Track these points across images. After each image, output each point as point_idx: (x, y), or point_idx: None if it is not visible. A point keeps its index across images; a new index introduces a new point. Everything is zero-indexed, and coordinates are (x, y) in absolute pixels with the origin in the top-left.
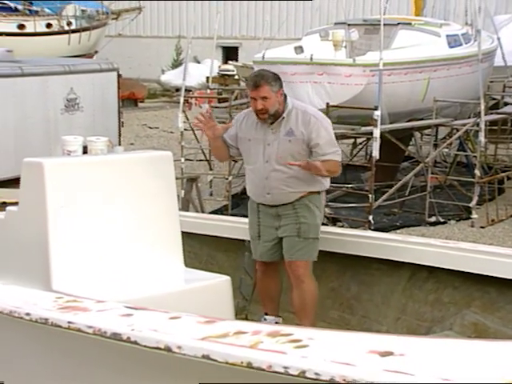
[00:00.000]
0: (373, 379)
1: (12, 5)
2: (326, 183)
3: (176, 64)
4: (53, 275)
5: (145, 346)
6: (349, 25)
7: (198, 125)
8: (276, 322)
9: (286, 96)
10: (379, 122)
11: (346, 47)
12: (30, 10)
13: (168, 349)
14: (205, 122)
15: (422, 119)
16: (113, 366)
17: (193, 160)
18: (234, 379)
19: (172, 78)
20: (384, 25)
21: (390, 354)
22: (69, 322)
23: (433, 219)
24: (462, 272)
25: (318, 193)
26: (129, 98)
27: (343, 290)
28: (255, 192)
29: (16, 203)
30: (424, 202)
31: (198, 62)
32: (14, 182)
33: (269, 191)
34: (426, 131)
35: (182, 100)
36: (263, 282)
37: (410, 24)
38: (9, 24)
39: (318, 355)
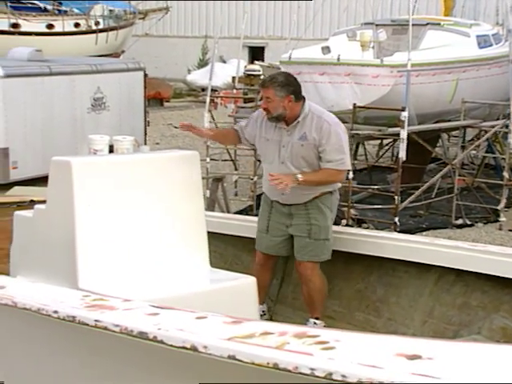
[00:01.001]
0: (401, 382)
1: (41, 5)
2: (335, 185)
3: (202, 64)
4: (79, 273)
5: (171, 346)
6: (377, 25)
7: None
8: (263, 311)
9: (304, 100)
10: (406, 123)
11: (373, 48)
12: (58, 10)
13: (194, 348)
14: (188, 129)
15: (449, 120)
16: (139, 365)
17: (218, 160)
18: (259, 380)
19: (198, 77)
20: (412, 25)
21: (418, 357)
22: (96, 321)
23: (460, 222)
24: (491, 275)
25: (331, 193)
26: (155, 98)
27: (369, 292)
28: (271, 191)
29: (44, 201)
30: (451, 204)
31: (224, 62)
32: (41, 181)
33: (283, 191)
34: (454, 133)
35: (208, 100)
36: (260, 273)
37: (439, 24)
38: (38, 24)
39: (345, 357)
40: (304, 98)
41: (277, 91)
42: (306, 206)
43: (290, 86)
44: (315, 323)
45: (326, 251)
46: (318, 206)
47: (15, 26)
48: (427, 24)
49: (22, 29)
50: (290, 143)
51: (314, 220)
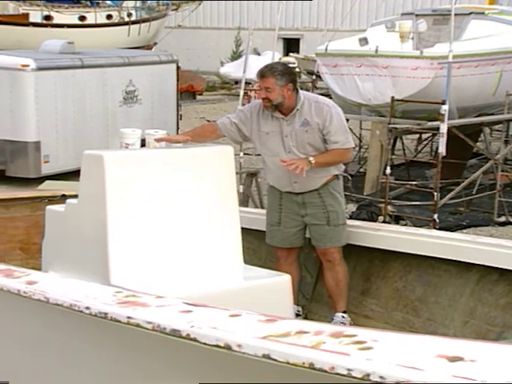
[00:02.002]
0: None
1: None
2: (341, 167)
3: (235, 56)
4: (111, 269)
5: (204, 344)
6: (416, 15)
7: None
8: (298, 310)
9: (297, 89)
10: (446, 117)
11: (413, 39)
12: (91, 2)
13: (228, 347)
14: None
15: (492, 114)
16: (171, 363)
17: (251, 154)
18: (294, 380)
19: (231, 70)
20: (455, 14)
21: (460, 359)
22: (128, 317)
23: (502, 219)
24: None
25: (337, 177)
26: (187, 91)
27: (407, 292)
28: (280, 183)
29: (76, 196)
30: (493, 201)
31: (258, 54)
32: (73, 175)
33: (295, 180)
34: (497, 126)
35: (241, 93)
36: (284, 269)
37: (483, 13)
38: (71, 16)
39: (383, 358)
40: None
41: (277, 80)
42: (319, 193)
43: (289, 75)
44: (343, 317)
45: (344, 235)
46: (331, 193)
47: (48, 18)
48: (470, 13)
49: (55, 21)
50: (293, 132)
51: (330, 207)
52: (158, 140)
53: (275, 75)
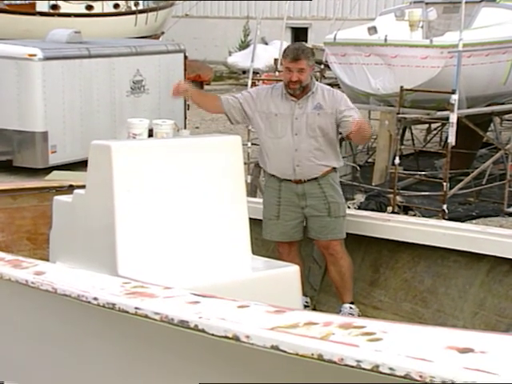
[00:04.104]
0: (453, 377)
1: None
2: (340, 161)
3: (243, 45)
4: (119, 260)
5: (212, 335)
6: (426, 3)
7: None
8: (306, 301)
9: None
10: (456, 107)
11: (422, 27)
12: None
13: (236, 338)
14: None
15: (502, 103)
16: (179, 354)
17: (259, 145)
18: (303, 371)
19: (239, 59)
20: (465, 2)
21: (470, 350)
22: (136, 308)
23: None
24: None
25: (335, 171)
26: (195, 80)
27: (416, 282)
28: (282, 167)
29: (83, 186)
30: (503, 191)
31: (266, 44)
32: (80, 165)
33: (298, 163)
34: (507, 116)
35: (249, 82)
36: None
37: (494, 1)
38: (78, 5)
39: (393, 349)
40: None
41: (309, 61)
42: (319, 184)
43: (314, 55)
44: (351, 308)
45: (345, 227)
46: (331, 184)
47: (55, 7)
48: (481, 1)
49: (62, 10)
50: (305, 114)
51: (331, 198)
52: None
53: (308, 56)
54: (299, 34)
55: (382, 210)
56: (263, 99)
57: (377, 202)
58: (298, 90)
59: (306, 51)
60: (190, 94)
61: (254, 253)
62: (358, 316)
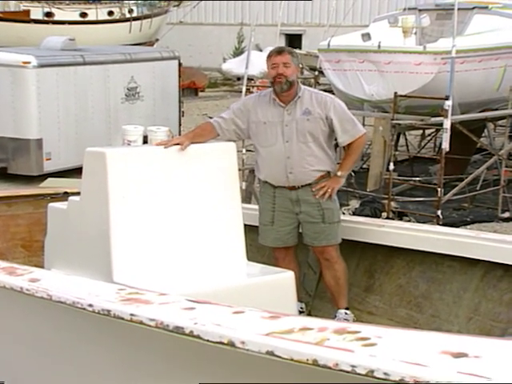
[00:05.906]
0: (447, 382)
1: None
2: (334, 165)
3: (237, 52)
4: (114, 267)
5: (207, 341)
6: (420, 10)
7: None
8: (301, 307)
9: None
10: (450, 113)
11: (416, 34)
12: None
13: (231, 344)
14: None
15: (496, 109)
16: (175, 360)
17: (254, 151)
18: (298, 377)
19: (233, 66)
20: (458, 9)
21: (464, 355)
22: (131, 315)
23: (506, 215)
24: None
25: (330, 175)
26: (189, 87)
27: (411, 288)
28: (275, 175)
29: (78, 193)
30: (497, 197)
31: (261, 50)
32: (75, 172)
33: (291, 170)
34: (500, 122)
35: (244, 89)
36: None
37: (486, 8)
38: (72, 12)
39: (387, 354)
40: None
41: (293, 58)
42: (313, 191)
43: (298, 58)
44: (346, 313)
45: (339, 233)
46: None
47: (49, 14)
48: (474, 8)
49: (56, 18)
50: (294, 120)
51: (325, 204)
52: (159, 145)
53: (292, 53)
54: (293, 40)
55: (376, 215)
56: (251, 108)
57: (371, 208)
58: (284, 85)
59: (289, 48)
60: (185, 147)
61: (249, 259)
62: (353, 321)
